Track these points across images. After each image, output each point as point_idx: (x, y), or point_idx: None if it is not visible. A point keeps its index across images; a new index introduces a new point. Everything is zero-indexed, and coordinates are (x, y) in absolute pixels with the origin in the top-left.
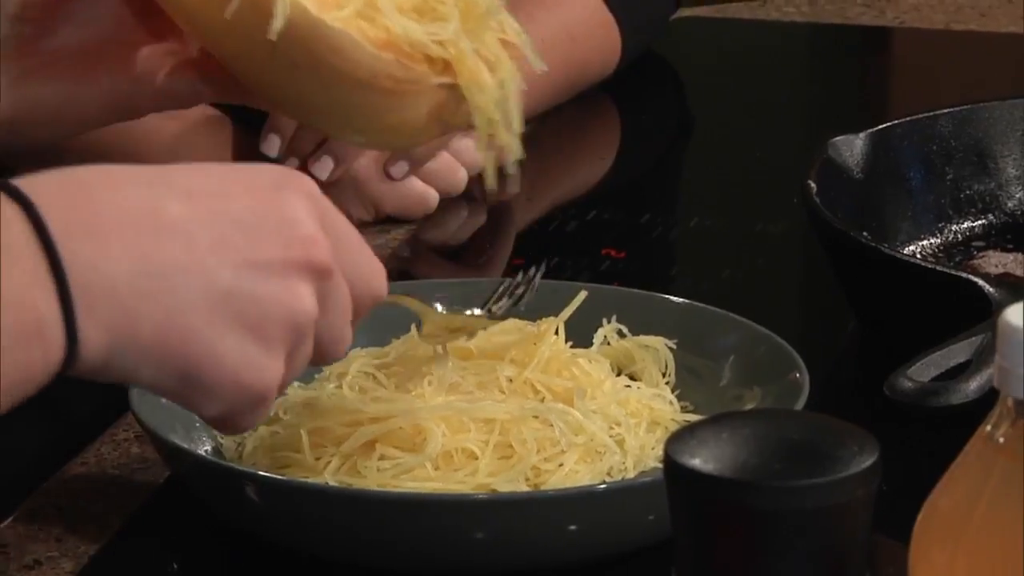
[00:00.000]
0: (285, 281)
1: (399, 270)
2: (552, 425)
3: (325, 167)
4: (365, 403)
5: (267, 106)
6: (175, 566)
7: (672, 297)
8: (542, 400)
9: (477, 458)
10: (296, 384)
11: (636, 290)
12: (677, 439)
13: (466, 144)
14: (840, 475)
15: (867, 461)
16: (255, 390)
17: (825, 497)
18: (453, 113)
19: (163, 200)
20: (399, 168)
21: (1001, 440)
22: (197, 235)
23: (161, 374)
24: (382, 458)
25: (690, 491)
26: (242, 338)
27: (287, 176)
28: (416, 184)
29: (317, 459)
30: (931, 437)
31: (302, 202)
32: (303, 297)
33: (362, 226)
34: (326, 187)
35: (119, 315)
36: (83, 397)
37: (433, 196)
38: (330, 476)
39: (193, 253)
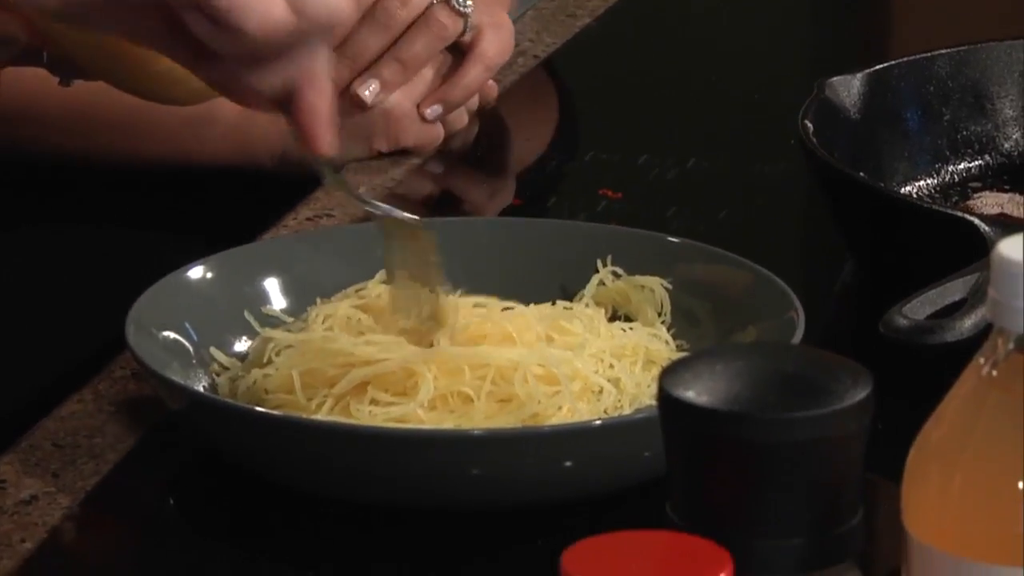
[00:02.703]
0: None
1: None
2: (547, 371)
3: (373, 92)
4: (357, 346)
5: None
6: (171, 502)
7: (668, 236)
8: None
9: (473, 402)
10: (285, 328)
11: (631, 229)
12: (671, 372)
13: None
14: (834, 408)
15: (861, 394)
16: None
17: (819, 429)
18: None
19: None
20: (434, 110)
21: (994, 373)
22: None
23: None
24: (373, 402)
25: (684, 424)
26: None
27: None
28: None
29: (309, 400)
30: (925, 375)
31: None
32: None
33: (373, 158)
34: (357, 114)
35: None
36: (81, 334)
37: (442, 132)
38: (323, 417)
39: None
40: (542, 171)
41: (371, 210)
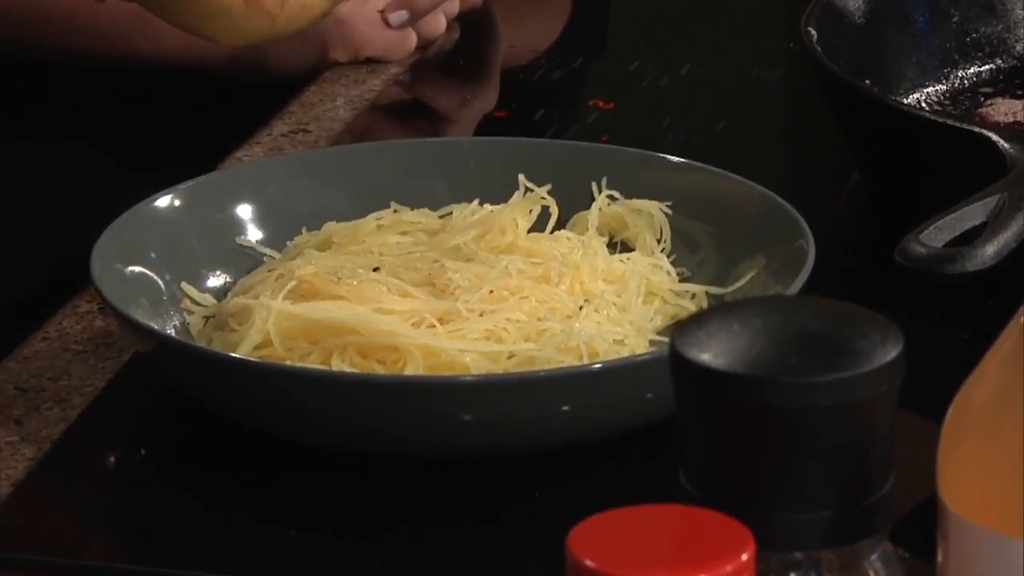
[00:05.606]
0: None
1: (378, 121)
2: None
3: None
4: (345, 315)
5: None
6: (143, 452)
7: (667, 156)
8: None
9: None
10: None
11: (628, 148)
12: (683, 331)
13: None
14: (863, 369)
15: (891, 353)
16: None
17: (847, 393)
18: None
19: None
20: (397, 16)
21: None
22: None
23: None
24: (353, 364)
25: (699, 388)
26: None
27: None
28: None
29: (288, 350)
30: (944, 306)
31: None
32: None
33: (344, 67)
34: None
35: None
36: (42, 265)
37: (412, 40)
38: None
39: None
40: (530, 80)
41: None
